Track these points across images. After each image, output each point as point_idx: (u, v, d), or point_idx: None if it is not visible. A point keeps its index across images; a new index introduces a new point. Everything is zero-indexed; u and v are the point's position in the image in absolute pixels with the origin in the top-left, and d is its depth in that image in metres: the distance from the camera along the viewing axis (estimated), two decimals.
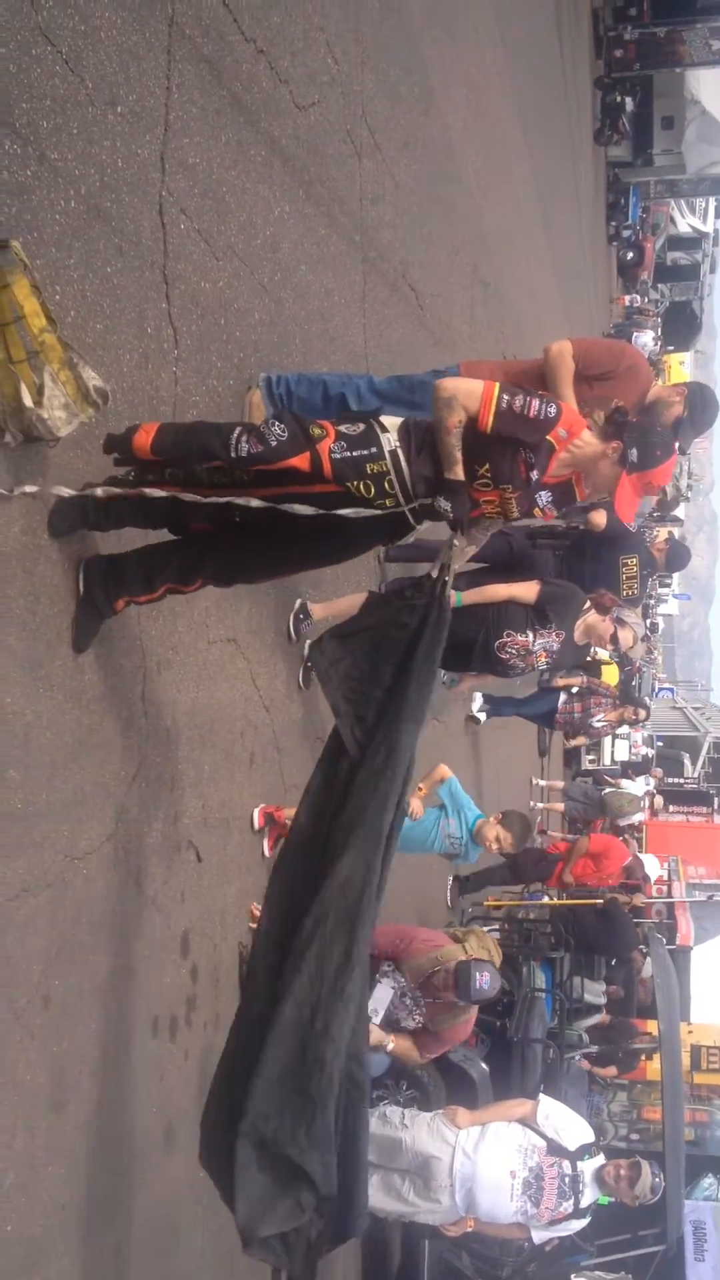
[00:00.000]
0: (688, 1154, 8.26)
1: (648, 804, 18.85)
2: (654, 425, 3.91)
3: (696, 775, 31.05)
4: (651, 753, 29.68)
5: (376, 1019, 5.44)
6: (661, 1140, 8.26)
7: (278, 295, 5.54)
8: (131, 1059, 4.19)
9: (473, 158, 10.92)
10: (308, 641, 5.97)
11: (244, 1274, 5.42)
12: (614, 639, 5.91)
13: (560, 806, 15.73)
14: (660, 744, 33.11)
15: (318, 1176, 3.22)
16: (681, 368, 40.59)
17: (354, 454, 3.63)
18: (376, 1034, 5.39)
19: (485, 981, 5.48)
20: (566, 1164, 5.89)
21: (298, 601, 5.85)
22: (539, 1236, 6.00)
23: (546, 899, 12.30)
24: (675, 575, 37.14)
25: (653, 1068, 10.45)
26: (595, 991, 11.65)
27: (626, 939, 11.34)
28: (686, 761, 31.55)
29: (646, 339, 28.50)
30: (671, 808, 22.60)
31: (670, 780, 26.79)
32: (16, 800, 3.45)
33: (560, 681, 10.90)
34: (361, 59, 6.97)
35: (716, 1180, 9.61)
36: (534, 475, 3.73)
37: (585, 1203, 5.96)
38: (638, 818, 17.52)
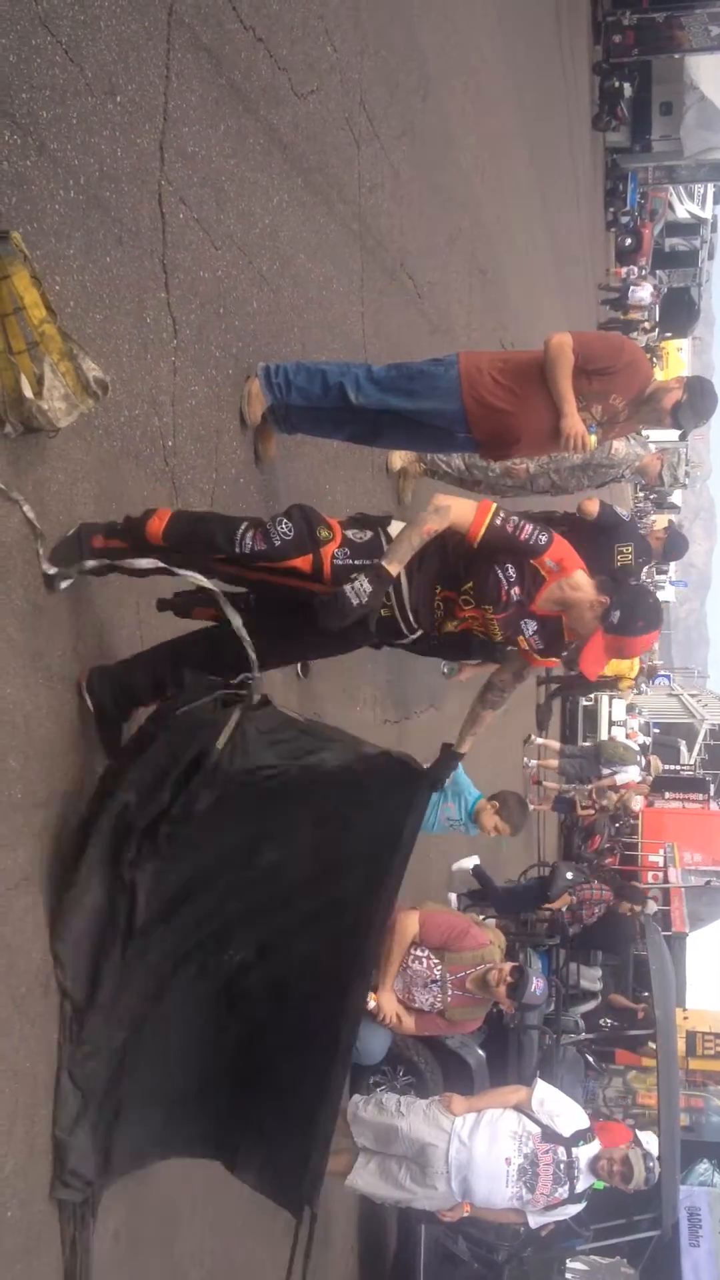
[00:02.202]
0: (683, 1139, 8.32)
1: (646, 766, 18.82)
2: (648, 596, 3.98)
3: (693, 762, 31.11)
4: (648, 740, 29.75)
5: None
6: (657, 1126, 8.30)
7: (276, 284, 5.54)
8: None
9: (471, 145, 10.90)
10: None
11: (243, 1260, 5.46)
12: None
13: (554, 762, 15.74)
14: (657, 731, 33.17)
15: None
16: (679, 354, 40.56)
17: (355, 562, 3.71)
18: None
19: (540, 988, 5.65)
20: (561, 1150, 5.93)
21: None
22: (535, 1221, 6.04)
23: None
24: (672, 563, 37.15)
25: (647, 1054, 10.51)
26: (591, 978, 11.72)
27: (624, 933, 11.40)
28: (683, 748, 31.61)
29: (645, 293, 28.38)
30: (668, 794, 22.63)
31: (667, 767, 26.84)
32: (16, 790, 3.46)
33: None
34: (360, 46, 6.96)
35: (711, 1165, 9.68)
36: (514, 595, 3.81)
37: (580, 1188, 6.00)
38: (636, 803, 17.53)
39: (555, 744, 15.74)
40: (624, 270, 30.93)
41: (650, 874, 16.77)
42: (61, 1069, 3.70)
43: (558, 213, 19.56)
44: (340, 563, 3.71)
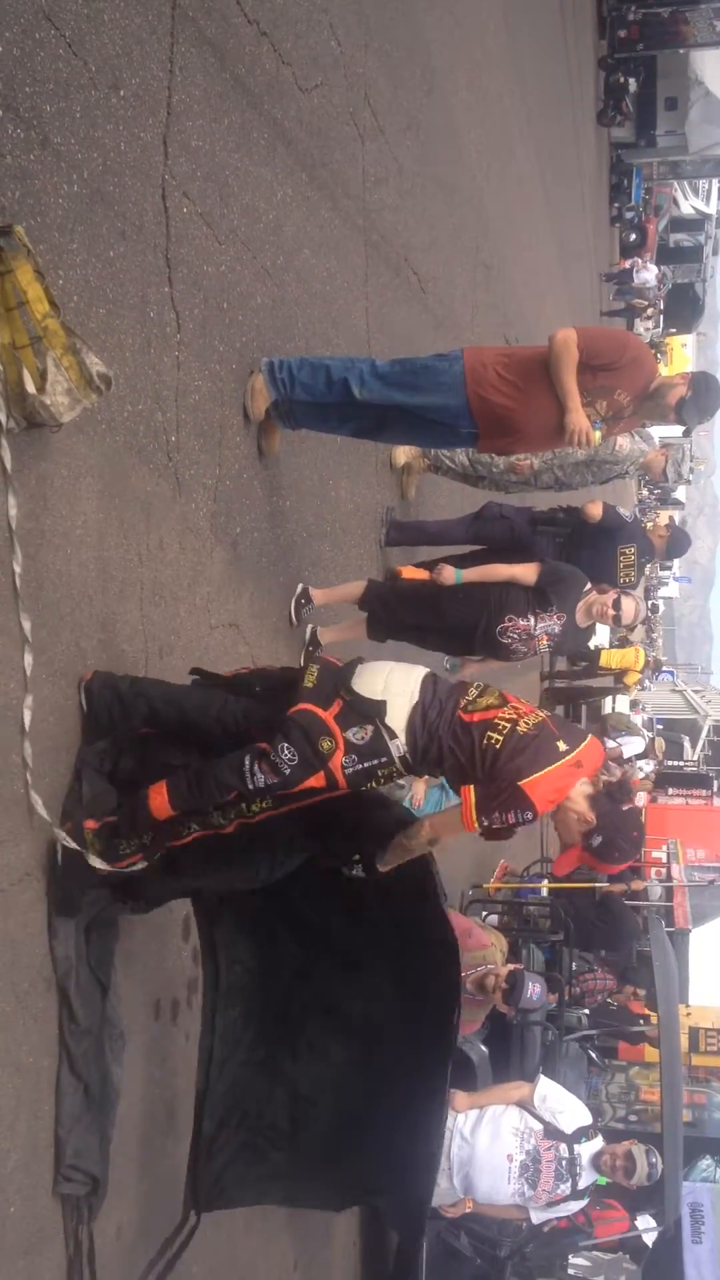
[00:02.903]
0: (685, 1136, 8.31)
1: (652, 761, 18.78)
2: (630, 830, 3.96)
3: (696, 758, 31.08)
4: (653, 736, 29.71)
5: None
6: (659, 1122, 8.30)
7: (280, 279, 5.53)
8: (134, 1041, 4.20)
9: (475, 139, 10.88)
10: (309, 626, 5.98)
11: (247, 1257, 5.46)
12: (616, 604, 5.88)
13: None
14: (660, 727, 33.14)
15: None
16: (684, 350, 40.49)
17: (365, 765, 3.70)
18: None
19: (536, 994, 5.64)
20: (563, 1147, 5.93)
21: (299, 586, 5.85)
22: (537, 1217, 6.04)
23: (545, 884, 12.34)
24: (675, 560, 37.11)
25: (651, 1050, 10.50)
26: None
27: (626, 930, 11.38)
28: (686, 744, 31.58)
29: (649, 276, 28.27)
30: (671, 790, 22.60)
31: (670, 763, 26.81)
32: (18, 786, 3.46)
33: None
34: (365, 40, 6.94)
35: (714, 1162, 9.67)
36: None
37: (582, 1185, 6.00)
38: (640, 798, 17.50)
39: None
40: (628, 263, 30.83)
41: (653, 870, 16.75)
42: (62, 1064, 3.70)
43: (562, 208, 19.54)
44: (351, 771, 3.69)
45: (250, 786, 3.67)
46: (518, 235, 14.03)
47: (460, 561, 6.39)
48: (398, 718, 3.68)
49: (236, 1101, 4.36)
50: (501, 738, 3.65)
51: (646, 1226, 7.53)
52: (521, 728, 3.67)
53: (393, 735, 3.67)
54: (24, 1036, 3.52)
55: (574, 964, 10.48)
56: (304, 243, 5.85)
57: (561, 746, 3.68)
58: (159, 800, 3.76)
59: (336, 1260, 6.86)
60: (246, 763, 3.67)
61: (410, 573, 6.02)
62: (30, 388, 3.25)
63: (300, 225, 5.80)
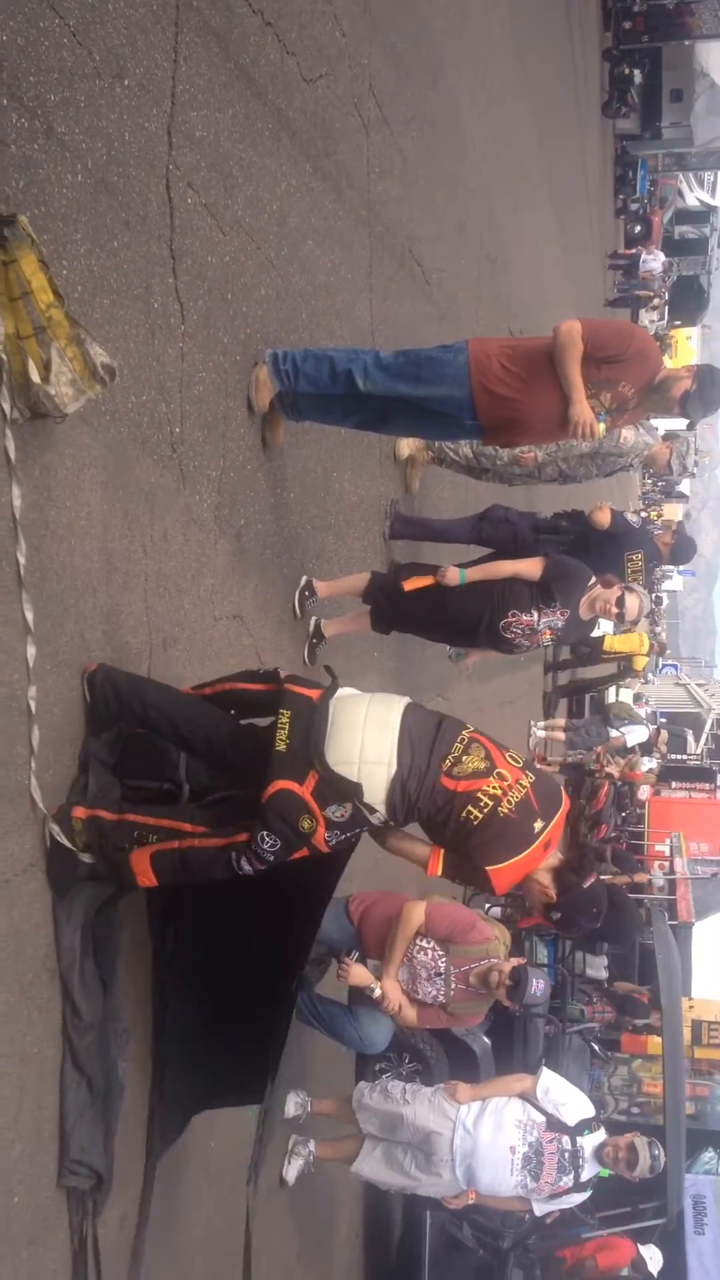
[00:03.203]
0: (688, 1128, 8.32)
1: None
2: (589, 908, 3.96)
3: (699, 751, 31.09)
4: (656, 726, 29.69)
5: (353, 957, 5.53)
6: (662, 1114, 8.31)
7: (284, 270, 5.52)
8: (136, 1035, 4.21)
9: (480, 131, 10.86)
10: (313, 618, 5.98)
11: (253, 1240, 5.47)
12: (620, 602, 5.87)
13: (561, 735, 15.70)
14: (663, 720, 33.14)
15: None
16: (688, 343, 40.43)
17: (346, 835, 3.70)
18: (363, 975, 5.43)
19: (540, 989, 5.65)
20: (566, 1139, 5.93)
21: (303, 578, 5.85)
22: (540, 1209, 6.04)
23: None
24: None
25: (654, 1042, 10.51)
26: (597, 966, 11.71)
27: (629, 924, 11.37)
28: (690, 738, 31.59)
29: (656, 264, 28.19)
30: (674, 784, 22.61)
31: (673, 757, 26.82)
32: (23, 776, 3.46)
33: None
34: (369, 31, 6.93)
35: (717, 1154, 9.69)
36: None
37: (585, 1177, 6.01)
38: (644, 792, 17.51)
39: (559, 735, 15.69)
40: (631, 251, 30.73)
41: (656, 863, 16.76)
42: (65, 1058, 3.71)
43: (567, 200, 19.50)
44: (335, 843, 3.68)
45: (239, 874, 3.70)
46: (522, 227, 14.00)
47: (461, 541, 6.39)
48: (376, 793, 3.63)
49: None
50: (481, 815, 3.64)
51: (651, 1256, 7.54)
52: (503, 809, 3.65)
53: (372, 810, 3.65)
54: (28, 1027, 3.53)
55: (572, 993, 10.49)
56: (308, 234, 5.84)
57: (536, 826, 3.69)
58: (145, 879, 3.75)
59: (339, 1250, 6.88)
60: (233, 859, 3.67)
61: (413, 584, 6.00)
62: (35, 378, 3.25)
63: (304, 216, 5.79)
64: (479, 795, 3.64)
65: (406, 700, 3.85)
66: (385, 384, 5.03)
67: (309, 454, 6.01)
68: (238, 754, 3.84)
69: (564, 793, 3.89)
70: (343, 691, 3.82)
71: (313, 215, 5.92)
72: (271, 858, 3.63)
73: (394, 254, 7.56)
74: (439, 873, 3.77)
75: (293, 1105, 6.09)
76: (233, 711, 4.02)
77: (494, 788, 3.66)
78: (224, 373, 4.85)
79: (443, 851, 3.75)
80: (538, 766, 4.02)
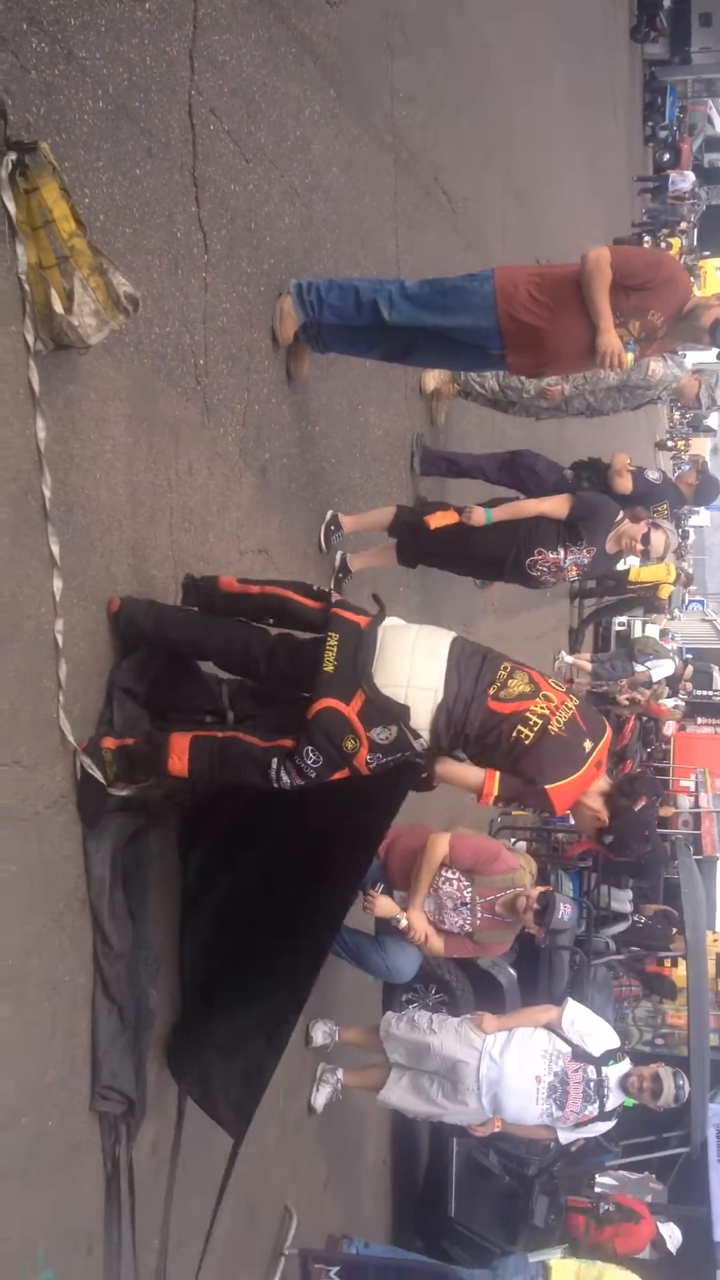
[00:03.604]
0: (712, 1060, 8.38)
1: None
2: (642, 829, 3.92)
3: None
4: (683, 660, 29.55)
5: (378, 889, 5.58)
6: (686, 1046, 8.38)
7: (308, 198, 5.44)
8: (166, 965, 4.25)
9: (506, 56, 10.64)
10: (339, 553, 5.96)
11: (278, 1178, 5.56)
12: (645, 539, 5.81)
13: (587, 666, 15.68)
14: (689, 656, 32.98)
15: None
16: (717, 273, 39.74)
17: (389, 759, 3.67)
18: (389, 906, 5.48)
19: (567, 914, 5.68)
20: (591, 1069, 5.98)
21: (329, 513, 5.82)
22: (565, 1137, 6.11)
23: None
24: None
25: (678, 975, 10.58)
26: (622, 899, 11.75)
27: (654, 858, 11.40)
28: (716, 674, 31.44)
29: (685, 184, 27.64)
30: (700, 720, 22.55)
31: (699, 693, 26.72)
32: (53, 710, 3.47)
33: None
34: None
35: None
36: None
37: (610, 1106, 6.06)
38: (669, 727, 17.46)
39: (586, 664, 15.64)
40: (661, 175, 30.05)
41: (681, 798, 16.75)
42: (97, 987, 3.75)
43: (595, 127, 19.14)
44: (375, 765, 3.67)
45: (274, 787, 3.68)
46: (549, 155, 13.76)
47: (489, 480, 6.33)
48: (422, 719, 3.63)
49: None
50: (533, 734, 3.62)
51: (671, 1234, 7.62)
52: (554, 727, 3.64)
53: (417, 735, 3.64)
54: (60, 956, 3.57)
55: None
56: (332, 161, 5.75)
57: (587, 746, 3.69)
58: (178, 762, 3.74)
59: (366, 1176, 6.99)
60: (273, 766, 3.66)
61: (438, 520, 5.94)
62: (58, 308, 3.22)
63: (328, 143, 5.69)
64: (528, 714, 3.63)
65: (454, 634, 3.83)
66: (411, 314, 4.97)
67: (334, 387, 5.96)
68: (272, 670, 3.85)
69: (609, 727, 3.89)
70: (390, 620, 3.81)
71: (337, 142, 5.83)
72: (313, 774, 3.62)
73: (419, 182, 7.44)
74: (494, 795, 3.70)
75: (320, 1034, 6.16)
76: (270, 620, 3.99)
77: (541, 708, 3.65)
78: (248, 304, 4.80)
79: (498, 774, 3.70)
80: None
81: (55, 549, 3.40)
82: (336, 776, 3.67)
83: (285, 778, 3.65)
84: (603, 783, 3.85)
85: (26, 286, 3.20)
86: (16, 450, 3.23)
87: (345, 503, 6.07)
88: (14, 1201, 3.39)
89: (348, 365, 6.02)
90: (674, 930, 9.89)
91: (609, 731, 3.83)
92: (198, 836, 4.34)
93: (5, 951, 3.29)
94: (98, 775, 3.61)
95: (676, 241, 20.45)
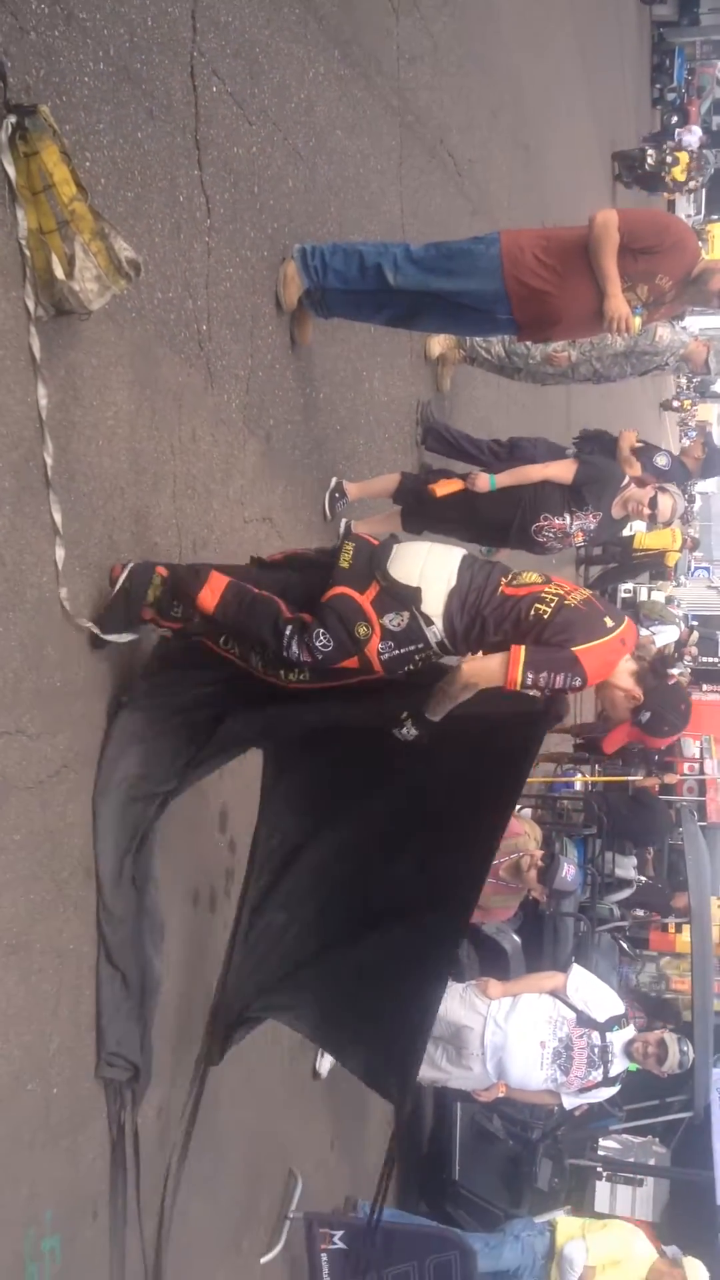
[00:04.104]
0: (716, 1025, 8.40)
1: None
2: (681, 701, 3.86)
3: None
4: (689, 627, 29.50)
5: None
6: (690, 1011, 8.41)
7: (312, 161, 5.39)
8: (173, 931, 4.26)
9: (513, 16, 10.51)
10: (343, 520, 5.93)
11: (285, 1135, 5.60)
12: (653, 503, 5.78)
13: None
14: (695, 623, 32.93)
15: None
16: None
17: (401, 650, 3.65)
18: None
19: (571, 875, 5.69)
20: (595, 1035, 6.02)
21: (333, 480, 5.79)
22: (569, 1103, 6.15)
23: (579, 778, 12.37)
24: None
25: (682, 940, 10.61)
26: (626, 866, 11.78)
27: (659, 825, 11.42)
28: None
29: (693, 138, 27.39)
30: (705, 687, 22.53)
31: (705, 660, 26.70)
32: (56, 679, 3.47)
33: None
34: None
35: None
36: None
37: (614, 1072, 6.10)
38: (678, 672, 17.45)
39: None
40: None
41: (687, 765, 16.77)
42: (100, 954, 3.76)
43: (602, 89, 18.92)
44: (387, 656, 3.66)
45: (285, 654, 3.67)
46: (556, 117, 13.61)
47: (494, 468, 6.28)
48: (434, 604, 3.64)
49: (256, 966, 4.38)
50: (550, 609, 3.60)
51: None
52: (570, 601, 3.62)
53: (429, 622, 3.64)
54: (64, 924, 3.57)
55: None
56: (336, 123, 5.69)
57: (609, 623, 3.65)
58: (210, 596, 3.74)
59: (371, 1140, 7.02)
60: (287, 632, 3.66)
61: (443, 489, 5.91)
62: (59, 273, 3.19)
63: (332, 105, 5.63)
64: (543, 594, 3.63)
65: (464, 551, 3.86)
66: (416, 278, 4.92)
67: (338, 353, 5.92)
68: (289, 602, 3.83)
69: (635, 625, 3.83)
70: (404, 539, 3.86)
71: (341, 104, 5.76)
72: (321, 656, 3.63)
73: (424, 144, 7.37)
74: (520, 670, 3.55)
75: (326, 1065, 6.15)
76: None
77: (555, 589, 3.65)
78: (251, 268, 4.76)
79: (524, 647, 3.59)
80: None
81: (57, 517, 3.38)
82: (346, 664, 3.67)
83: (295, 649, 3.66)
84: (631, 663, 3.79)
85: (27, 252, 3.17)
86: (18, 417, 3.21)
87: (350, 470, 6.04)
88: (19, 1168, 3.41)
89: (352, 331, 5.98)
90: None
91: (630, 621, 3.78)
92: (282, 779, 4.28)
93: (10, 920, 3.29)
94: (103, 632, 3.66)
95: (684, 156, 20.05)
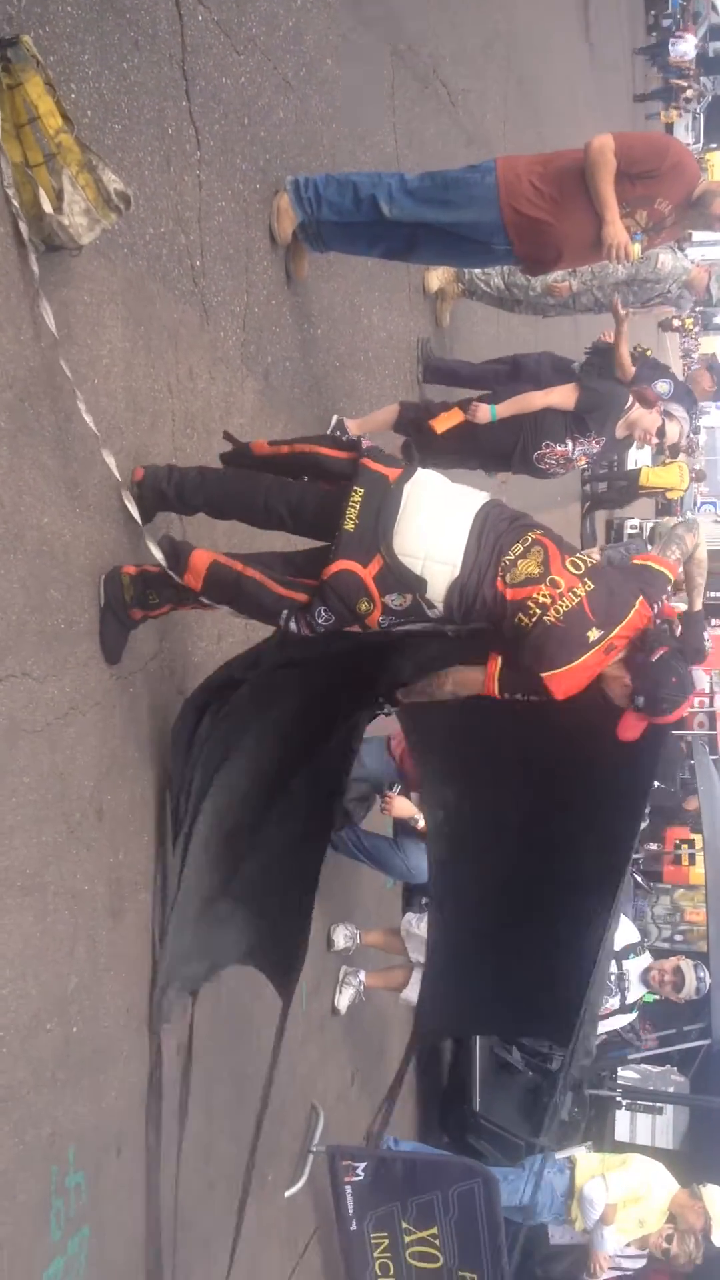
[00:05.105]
0: None
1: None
2: (672, 675, 3.69)
3: None
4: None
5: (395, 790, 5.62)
6: (705, 940, 8.45)
7: (303, 91, 5.29)
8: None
9: None
10: (335, 418, 5.86)
11: (305, 1069, 5.65)
12: (661, 431, 5.72)
13: (598, 555, 15.69)
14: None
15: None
16: None
17: (401, 624, 3.66)
18: (407, 807, 5.51)
19: None
20: (612, 963, 6.04)
21: (334, 417, 5.74)
22: None
23: None
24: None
25: (695, 872, 10.67)
26: None
27: (670, 757, 11.44)
28: None
29: (688, 46, 26.84)
30: (714, 622, 22.48)
31: (712, 594, 26.64)
32: (60, 620, 3.45)
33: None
34: None
35: None
36: None
37: (630, 999, 6.14)
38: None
39: (596, 555, 15.67)
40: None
41: (697, 700, 16.77)
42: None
43: (596, 16, 18.59)
44: (388, 624, 3.67)
45: (282, 626, 3.70)
46: (550, 45, 13.39)
47: (495, 397, 6.22)
48: (438, 592, 3.59)
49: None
50: (530, 622, 3.54)
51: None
52: (550, 617, 3.53)
53: (431, 606, 3.61)
54: (78, 865, 3.58)
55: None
56: (326, 52, 5.58)
57: (592, 636, 3.55)
58: (193, 579, 3.74)
59: (392, 1072, 7.08)
60: (284, 616, 3.67)
61: (444, 424, 5.83)
62: (47, 208, 3.13)
63: (322, 33, 5.52)
64: (528, 603, 3.55)
65: (486, 496, 3.75)
66: (412, 209, 4.84)
67: (335, 288, 5.85)
68: (299, 522, 3.84)
69: (642, 602, 3.70)
70: (421, 474, 3.73)
71: (331, 32, 5.65)
72: (323, 629, 3.65)
73: (417, 73, 7.24)
74: (496, 684, 3.65)
75: (342, 938, 6.22)
76: (305, 477, 3.95)
77: (544, 595, 3.55)
78: (244, 202, 4.69)
79: (500, 661, 3.65)
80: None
81: (54, 456, 3.35)
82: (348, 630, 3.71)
83: (294, 627, 3.68)
84: (621, 657, 3.72)
85: (7, 190, 3.11)
86: (11, 356, 3.17)
87: (350, 407, 5.99)
88: (41, 1106, 3.43)
89: (349, 265, 5.91)
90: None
91: (634, 612, 3.66)
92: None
93: (23, 861, 3.30)
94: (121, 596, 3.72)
95: (675, 113, 19.74)
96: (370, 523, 3.58)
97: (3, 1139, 3.26)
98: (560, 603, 3.55)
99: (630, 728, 3.72)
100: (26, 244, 3.16)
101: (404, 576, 3.57)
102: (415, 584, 3.58)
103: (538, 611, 3.55)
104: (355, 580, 3.56)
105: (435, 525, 3.61)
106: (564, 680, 3.58)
